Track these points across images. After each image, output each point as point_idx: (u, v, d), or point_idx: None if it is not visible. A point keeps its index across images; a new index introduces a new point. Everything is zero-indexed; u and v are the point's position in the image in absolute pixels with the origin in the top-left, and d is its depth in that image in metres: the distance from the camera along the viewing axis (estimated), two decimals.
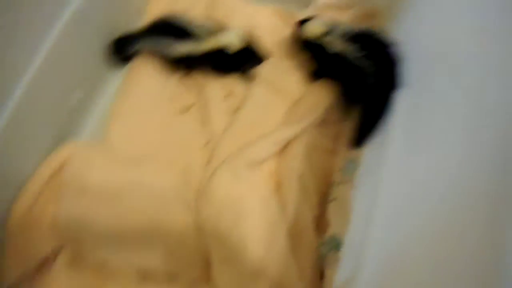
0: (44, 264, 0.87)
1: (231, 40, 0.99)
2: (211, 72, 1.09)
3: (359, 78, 0.91)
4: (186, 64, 1.07)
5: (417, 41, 0.92)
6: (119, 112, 1.05)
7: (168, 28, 1.02)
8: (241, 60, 1.04)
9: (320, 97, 1.03)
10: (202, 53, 1.00)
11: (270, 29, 1.17)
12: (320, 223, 0.92)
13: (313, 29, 1.00)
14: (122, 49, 1.09)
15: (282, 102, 1.07)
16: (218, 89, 1.09)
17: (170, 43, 1.01)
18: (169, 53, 1.03)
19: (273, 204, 0.93)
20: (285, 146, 1.00)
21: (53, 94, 0.94)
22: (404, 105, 0.83)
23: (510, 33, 0.64)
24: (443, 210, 0.61)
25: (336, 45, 0.95)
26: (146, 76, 1.09)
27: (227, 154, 0.98)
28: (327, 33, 0.98)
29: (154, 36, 1.04)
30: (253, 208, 0.91)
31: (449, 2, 0.83)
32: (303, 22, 1.03)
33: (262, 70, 1.09)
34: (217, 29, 1.02)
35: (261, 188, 0.95)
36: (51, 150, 0.93)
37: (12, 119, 0.81)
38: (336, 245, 0.82)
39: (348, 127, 0.97)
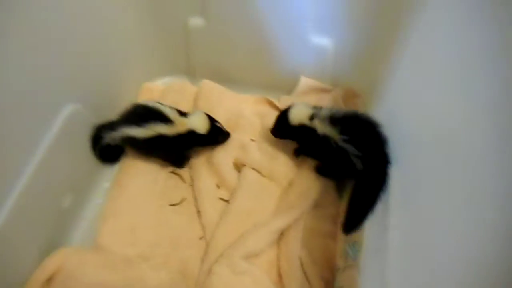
0: None
1: (198, 122, 1.04)
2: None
3: (346, 161, 0.91)
4: (162, 145, 1.06)
5: (401, 119, 0.95)
6: (109, 213, 1.03)
7: (142, 113, 1.05)
8: (211, 137, 1.07)
9: (311, 181, 1.03)
10: (176, 134, 1.03)
11: (256, 116, 1.20)
12: None
13: (300, 113, 1.01)
14: (99, 139, 1.06)
15: (275, 188, 1.06)
16: (209, 178, 1.09)
17: (143, 126, 1.02)
18: (142, 136, 1.02)
19: None
20: (283, 234, 0.98)
21: (44, 199, 0.93)
22: (400, 183, 0.83)
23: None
24: None
25: (322, 127, 0.96)
26: (135, 175, 1.09)
27: (224, 246, 0.95)
28: (313, 116, 0.99)
29: (129, 122, 1.04)
30: None
31: (430, 71, 0.86)
32: (287, 110, 1.04)
33: (252, 157, 1.10)
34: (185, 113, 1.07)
35: (263, 281, 0.90)
36: (44, 255, 0.91)
37: (5, 226, 0.79)
38: None
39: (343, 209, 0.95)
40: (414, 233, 0.74)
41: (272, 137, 1.11)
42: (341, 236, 0.95)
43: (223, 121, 1.13)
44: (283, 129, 1.06)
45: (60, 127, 0.93)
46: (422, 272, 0.68)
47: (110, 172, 1.13)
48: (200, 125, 1.04)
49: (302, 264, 0.93)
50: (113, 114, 1.18)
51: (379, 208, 0.89)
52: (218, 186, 1.09)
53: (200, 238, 1.01)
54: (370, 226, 0.91)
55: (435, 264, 0.66)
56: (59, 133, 0.92)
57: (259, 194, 1.05)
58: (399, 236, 0.76)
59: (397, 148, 0.96)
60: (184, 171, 1.13)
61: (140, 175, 1.09)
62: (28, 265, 0.89)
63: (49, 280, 0.88)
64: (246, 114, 1.20)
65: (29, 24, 0.81)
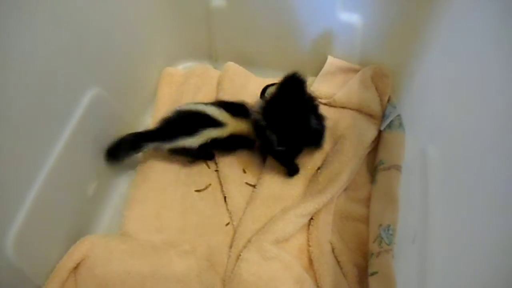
0: None
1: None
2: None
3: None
4: (214, 147, 1.02)
5: (433, 100, 0.91)
6: (135, 200, 1.02)
7: (188, 120, 0.98)
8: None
9: (341, 163, 0.99)
10: (229, 135, 0.98)
11: None
12: None
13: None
14: (137, 148, 0.99)
15: (303, 172, 1.03)
16: (235, 163, 1.07)
17: (194, 134, 0.96)
18: (195, 145, 0.97)
19: (308, 284, 0.85)
20: (313, 218, 0.95)
21: (69, 186, 0.92)
22: (440, 166, 0.79)
23: None
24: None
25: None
26: (160, 161, 1.08)
27: (252, 232, 0.93)
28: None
29: (176, 132, 0.97)
30: None
31: (466, 52, 0.82)
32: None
33: None
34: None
35: (293, 266, 0.88)
36: (70, 243, 0.90)
37: (31, 214, 0.78)
38: None
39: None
40: (457, 219, 0.70)
41: None
42: (373, 219, 0.91)
43: None
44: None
45: (83, 111, 0.91)
46: (467, 261, 0.64)
47: (134, 158, 1.12)
48: None
49: (333, 249, 0.91)
50: (134, 99, 1.16)
51: (415, 191, 0.85)
52: (244, 171, 1.06)
53: (227, 224, 0.99)
54: (406, 209, 0.88)
55: (480, 253, 0.62)
56: (82, 118, 0.91)
57: (286, 179, 1.02)
58: (441, 222, 0.72)
59: (432, 129, 0.93)
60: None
61: (164, 161, 1.07)
62: (55, 253, 0.88)
63: (76, 267, 0.88)
64: None
65: (52, 6, 0.80)
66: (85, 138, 0.93)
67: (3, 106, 0.72)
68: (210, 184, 1.06)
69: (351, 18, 1.04)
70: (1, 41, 0.70)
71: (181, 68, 1.30)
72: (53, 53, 0.81)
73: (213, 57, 1.27)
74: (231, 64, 1.20)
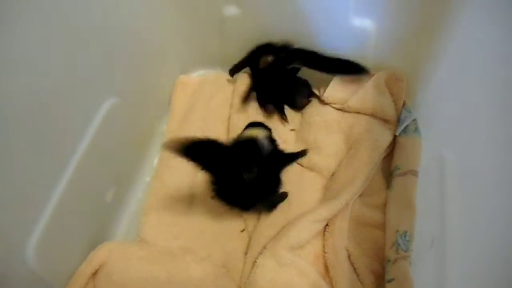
0: None
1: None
2: None
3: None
4: None
5: (449, 104, 0.91)
6: (152, 207, 1.04)
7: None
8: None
9: (355, 169, 0.99)
10: None
11: None
12: None
13: None
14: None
15: (316, 178, 1.03)
16: None
17: None
18: None
19: None
20: (328, 224, 0.94)
21: (88, 193, 0.94)
22: (457, 170, 0.78)
23: None
24: None
25: None
26: (175, 168, 1.08)
27: (267, 238, 0.93)
28: None
29: None
30: None
31: (481, 58, 0.81)
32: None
33: (292, 147, 1.09)
34: None
35: (309, 273, 0.87)
36: (89, 249, 0.92)
37: (51, 220, 0.80)
38: None
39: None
40: (475, 224, 0.69)
41: (312, 127, 1.09)
42: (390, 225, 0.90)
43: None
44: None
45: (101, 121, 0.93)
46: (486, 267, 0.63)
47: (150, 165, 1.13)
48: None
49: (349, 256, 0.90)
50: (149, 107, 1.18)
51: (432, 196, 0.84)
52: None
53: (242, 231, 1.00)
54: (423, 215, 0.87)
55: (499, 258, 0.61)
56: (100, 127, 0.92)
57: (300, 185, 1.03)
58: (459, 228, 0.71)
59: (448, 133, 0.92)
60: None
61: (180, 168, 1.08)
62: (74, 259, 0.90)
63: (95, 273, 0.89)
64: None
65: (68, 19, 0.81)
66: (103, 146, 0.95)
67: (25, 115, 0.73)
68: None
69: (363, 23, 1.03)
70: (23, 55, 0.72)
71: (195, 75, 1.31)
72: (72, 65, 0.83)
73: (227, 64, 1.28)
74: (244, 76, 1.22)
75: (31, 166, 0.76)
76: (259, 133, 1.00)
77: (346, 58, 1.07)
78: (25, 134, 0.74)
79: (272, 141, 1.02)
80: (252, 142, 0.96)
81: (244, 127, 1.07)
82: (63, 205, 0.82)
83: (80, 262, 0.89)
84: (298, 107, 1.18)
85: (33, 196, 0.78)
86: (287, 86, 1.14)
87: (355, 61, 1.07)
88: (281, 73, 1.13)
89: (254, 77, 1.17)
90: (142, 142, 1.16)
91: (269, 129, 1.07)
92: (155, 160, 1.14)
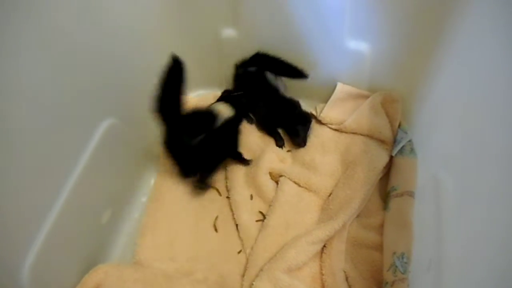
0: None
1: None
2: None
3: None
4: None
5: (445, 126, 0.91)
6: (148, 228, 1.03)
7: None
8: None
9: (352, 190, 0.99)
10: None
11: None
12: None
13: None
14: None
15: (314, 199, 1.03)
16: (246, 190, 1.07)
17: None
18: None
19: None
20: (326, 246, 0.94)
21: (84, 214, 0.93)
22: (454, 194, 0.78)
23: None
24: None
25: None
26: (172, 189, 1.08)
27: (264, 260, 0.92)
28: None
29: None
30: None
31: (476, 79, 0.82)
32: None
33: (289, 167, 1.09)
34: None
35: None
36: (83, 272, 0.90)
37: (46, 242, 0.79)
38: None
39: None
40: (472, 245, 0.69)
41: (309, 148, 1.10)
42: (387, 247, 0.90)
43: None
44: None
45: (98, 142, 0.93)
46: None
47: (147, 186, 1.13)
48: None
49: (347, 278, 0.90)
50: (147, 127, 1.18)
51: (429, 217, 0.84)
52: (251, 197, 1.06)
53: (239, 252, 0.99)
54: (420, 236, 0.87)
55: (496, 280, 0.61)
56: (97, 148, 0.92)
57: (297, 206, 1.02)
58: (456, 250, 0.71)
59: (444, 154, 0.92)
60: (220, 183, 1.11)
61: (176, 189, 1.08)
62: (69, 281, 0.88)
63: None
64: None
65: (65, 40, 0.82)
66: (99, 167, 0.94)
67: (20, 136, 0.73)
68: (217, 216, 1.06)
69: (359, 46, 1.05)
70: (19, 75, 0.72)
71: (193, 96, 1.32)
72: (69, 86, 0.84)
73: (225, 85, 1.29)
74: None
75: (27, 187, 0.76)
76: (221, 110, 1.04)
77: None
78: (21, 155, 0.74)
79: (234, 120, 1.07)
80: (209, 115, 1.02)
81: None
82: (58, 227, 0.82)
83: (75, 285, 0.88)
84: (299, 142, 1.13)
85: (28, 218, 0.77)
86: (287, 118, 1.13)
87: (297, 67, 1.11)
88: (279, 103, 1.14)
89: (248, 102, 1.16)
90: (139, 163, 1.16)
91: (241, 106, 1.10)
92: (152, 181, 1.14)
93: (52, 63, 0.79)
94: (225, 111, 1.04)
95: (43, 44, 0.77)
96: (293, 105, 1.14)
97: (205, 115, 1.03)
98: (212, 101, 1.25)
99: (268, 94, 1.14)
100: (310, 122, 1.13)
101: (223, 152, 1.07)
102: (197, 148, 0.97)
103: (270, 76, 1.15)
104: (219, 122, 1.01)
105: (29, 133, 0.75)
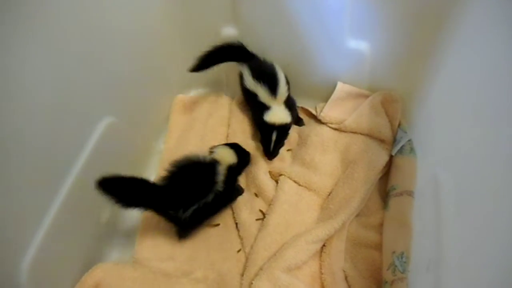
0: None
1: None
2: None
3: None
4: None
5: (444, 125, 0.92)
6: (147, 227, 1.02)
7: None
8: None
9: (352, 189, 0.99)
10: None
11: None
12: None
13: None
14: None
15: (314, 198, 1.03)
16: (246, 189, 1.07)
17: None
18: None
19: None
20: (325, 245, 0.94)
21: (83, 214, 0.93)
22: (453, 193, 0.78)
23: None
24: None
25: None
26: None
27: (263, 259, 0.92)
28: None
29: None
30: None
31: (475, 77, 0.82)
32: None
33: (289, 167, 1.09)
34: None
35: None
36: (83, 271, 0.90)
37: (44, 242, 0.79)
38: None
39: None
40: (472, 245, 0.69)
41: (309, 147, 1.10)
42: (387, 246, 0.90)
43: None
44: None
45: (97, 140, 0.93)
46: None
47: None
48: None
49: (346, 277, 0.89)
50: (147, 126, 1.18)
51: (428, 216, 0.84)
52: (256, 195, 1.06)
53: (238, 251, 0.99)
54: (419, 235, 0.87)
55: (496, 280, 0.61)
56: (96, 146, 0.92)
57: (297, 205, 1.02)
58: (455, 249, 0.71)
59: (443, 154, 0.92)
60: None
61: None
62: (68, 280, 0.88)
63: None
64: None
65: (66, 38, 0.82)
66: (98, 165, 0.93)
67: (19, 135, 0.73)
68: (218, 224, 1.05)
69: (359, 45, 1.05)
70: (19, 74, 0.72)
71: (193, 95, 1.32)
72: (69, 85, 0.84)
73: (225, 84, 1.29)
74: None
75: (25, 186, 0.76)
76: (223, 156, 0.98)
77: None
78: (19, 154, 0.74)
79: (235, 168, 1.00)
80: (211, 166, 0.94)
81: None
82: (57, 226, 0.82)
83: (74, 284, 0.88)
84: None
85: (26, 217, 0.77)
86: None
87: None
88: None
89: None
90: (139, 161, 1.16)
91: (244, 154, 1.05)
92: (152, 179, 1.13)
93: (51, 63, 0.79)
94: (226, 157, 0.99)
95: (43, 44, 0.76)
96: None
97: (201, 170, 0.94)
98: (212, 100, 1.26)
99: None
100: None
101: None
102: (189, 219, 0.92)
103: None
104: (218, 176, 0.94)
105: (27, 131, 0.75)
